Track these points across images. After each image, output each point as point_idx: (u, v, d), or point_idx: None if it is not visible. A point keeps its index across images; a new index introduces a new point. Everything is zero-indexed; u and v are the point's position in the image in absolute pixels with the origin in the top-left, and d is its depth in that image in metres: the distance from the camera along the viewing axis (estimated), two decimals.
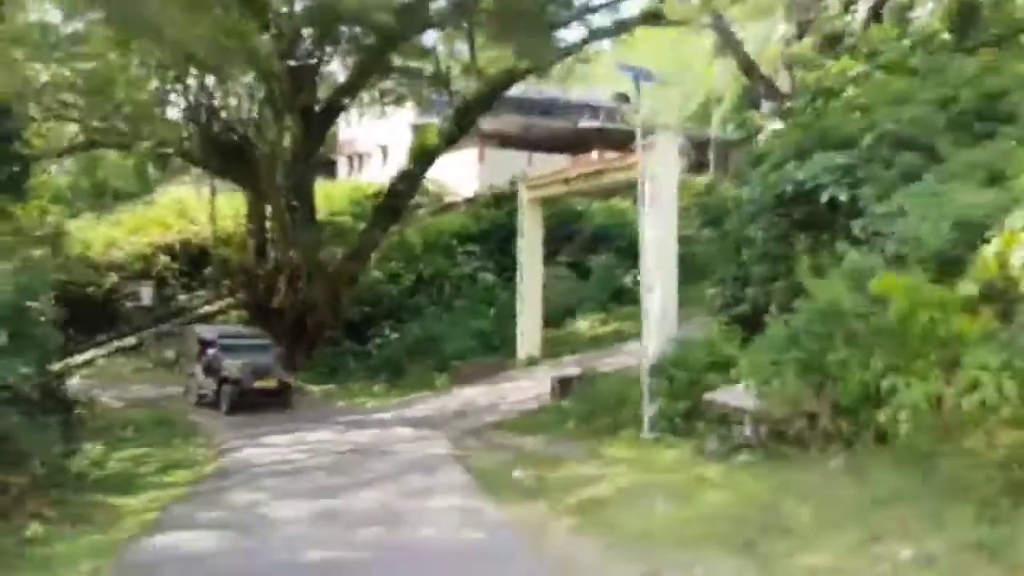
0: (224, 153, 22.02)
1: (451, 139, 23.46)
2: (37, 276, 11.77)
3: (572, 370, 13.54)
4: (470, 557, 5.96)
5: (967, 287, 5.78)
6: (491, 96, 23.47)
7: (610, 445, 10.04)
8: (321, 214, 26.50)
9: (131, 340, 23.53)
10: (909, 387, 5.64)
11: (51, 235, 19.07)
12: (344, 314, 23.05)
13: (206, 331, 18.98)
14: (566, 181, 16.20)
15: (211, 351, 17.26)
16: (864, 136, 10.28)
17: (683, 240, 13.86)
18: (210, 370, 17.06)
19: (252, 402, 16.21)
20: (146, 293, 24.95)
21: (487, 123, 29.93)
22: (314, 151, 23.34)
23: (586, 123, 34.15)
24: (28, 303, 10.50)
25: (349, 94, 23.44)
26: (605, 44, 26.58)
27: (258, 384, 16.46)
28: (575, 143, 30.80)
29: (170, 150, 22.40)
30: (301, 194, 22.32)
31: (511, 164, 30.68)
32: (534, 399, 13.43)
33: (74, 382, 16.52)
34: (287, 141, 21.83)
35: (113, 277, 25.13)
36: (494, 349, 19.28)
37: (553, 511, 7.16)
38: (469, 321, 21.63)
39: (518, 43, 19.27)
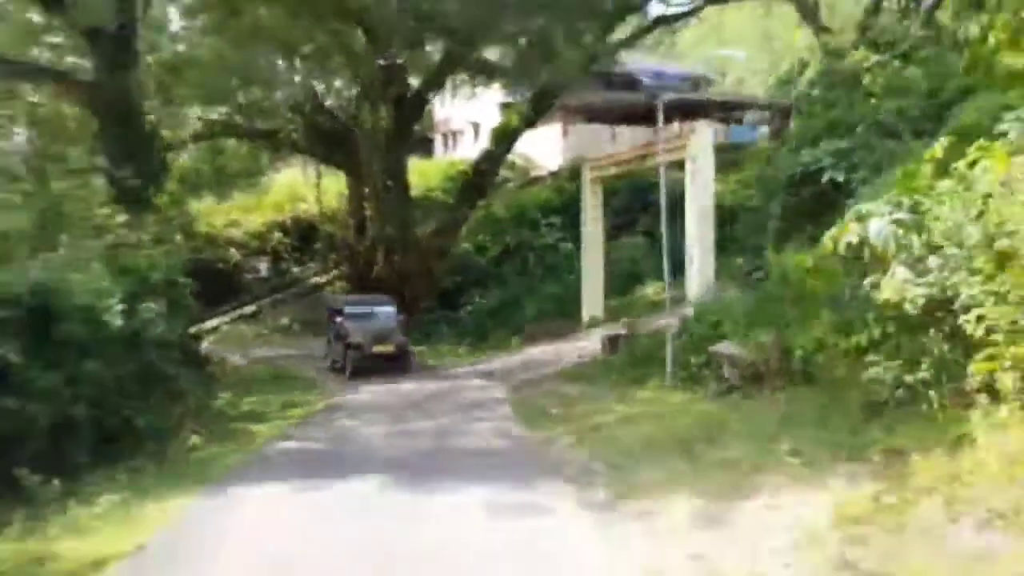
0: (327, 141, 25.28)
1: (529, 122, 25.92)
2: (178, 256, 15.13)
3: (621, 330, 15.87)
4: (489, 454, 8.62)
5: (804, 260, 7.82)
6: (560, 86, 25.77)
7: (637, 390, 12.38)
8: (418, 191, 29.62)
9: (251, 308, 27.32)
10: (801, 335, 7.77)
11: (185, 219, 22.72)
12: (437, 284, 26.01)
13: (335, 300, 21.36)
14: (618, 163, 18.40)
15: (338, 319, 19.30)
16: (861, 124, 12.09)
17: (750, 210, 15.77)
18: (338, 337, 19.02)
19: (372, 366, 17.84)
20: (263, 266, 28.74)
21: (571, 98, 31.99)
22: (407, 136, 26.26)
23: (668, 95, 35.57)
24: (177, 279, 13.79)
25: (437, 83, 26.11)
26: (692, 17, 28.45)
27: (377, 349, 18.20)
28: (653, 116, 32.53)
29: (280, 138, 25.78)
30: (395, 175, 25.31)
31: (594, 137, 32.84)
32: (588, 355, 15.89)
33: (204, 345, 20.08)
34: (382, 128, 24.79)
35: (234, 252, 29.02)
36: (567, 313, 21.74)
37: (566, 432, 9.68)
38: (547, 288, 24.18)
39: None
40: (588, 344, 16.85)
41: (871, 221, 6.83)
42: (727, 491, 6.48)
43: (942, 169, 7.20)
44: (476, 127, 38.84)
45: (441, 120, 40.86)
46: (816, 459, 6.85)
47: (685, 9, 24.72)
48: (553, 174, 33.65)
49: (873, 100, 12.99)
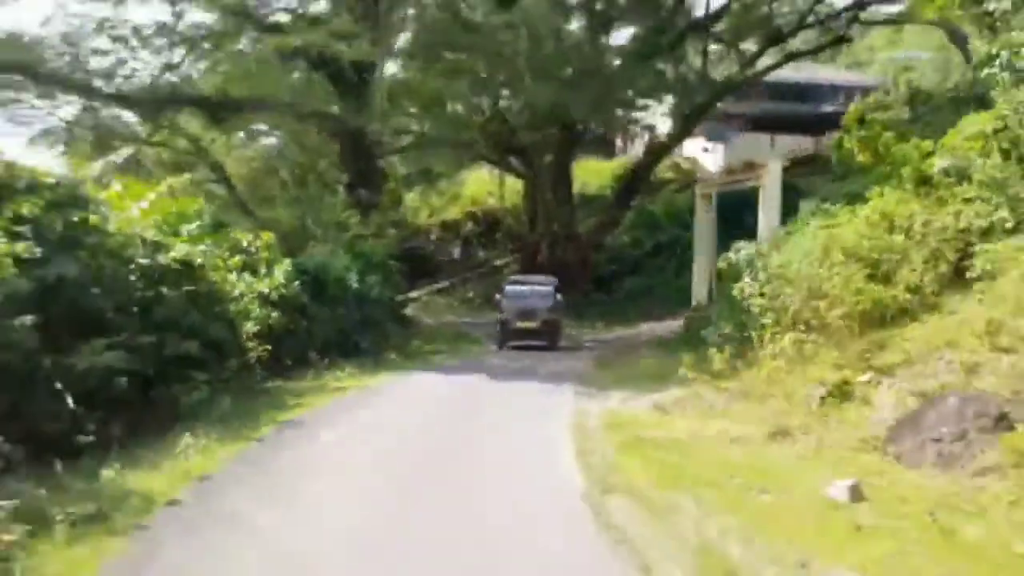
0: (506, 150, 33.43)
1: (679, 137, 32.68)
2: (391, 245, 23.82)
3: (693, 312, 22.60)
4: (558, 375, 16.21)
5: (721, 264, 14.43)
6: (716, 98, 32.23)
7: (685, 355, 19.24)
8: (591, 188, 37.28)
9: (444, 284, 36.28)
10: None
11: (398, 215, 31.85)
12: (592, 272, 33.43)
13: (509, 279, 26.27)
14: (718, 184, 24.92)
15: (498, 296, 24.22)
16: None
17: None
18: (497, 311, 23.65)
19: (517, 339, 22.14)
20: (456, 250, 37.66)
21: (732, 107, 38.07)
22: (572, 147, 33.85)
23: (829, 107, 40.44)
24: (389, 260, 22.42)
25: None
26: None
27: (520, 324, 22.25)
28: (816, 125, 37.55)
29: (471, 147, 34.32)
30: (560, 180, 33.03)
31: (754, 144, 38.71)
32: (675, 331, 22.76)
33: (408, 309, 28.91)
34: (550, 142, 32.53)
35: (433, 239, 38.20)
36: (686, 300, 28.40)
37: (609, 369, 16.93)
38: (679, 279, 30.86)
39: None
40: (681, 323, 23.68)
41: (740, 252, 13.51)
42: (644, 391, 13.58)
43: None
44: (651, 130, 45.58)
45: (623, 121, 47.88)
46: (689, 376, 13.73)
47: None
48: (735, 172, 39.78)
49: None
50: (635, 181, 34.18)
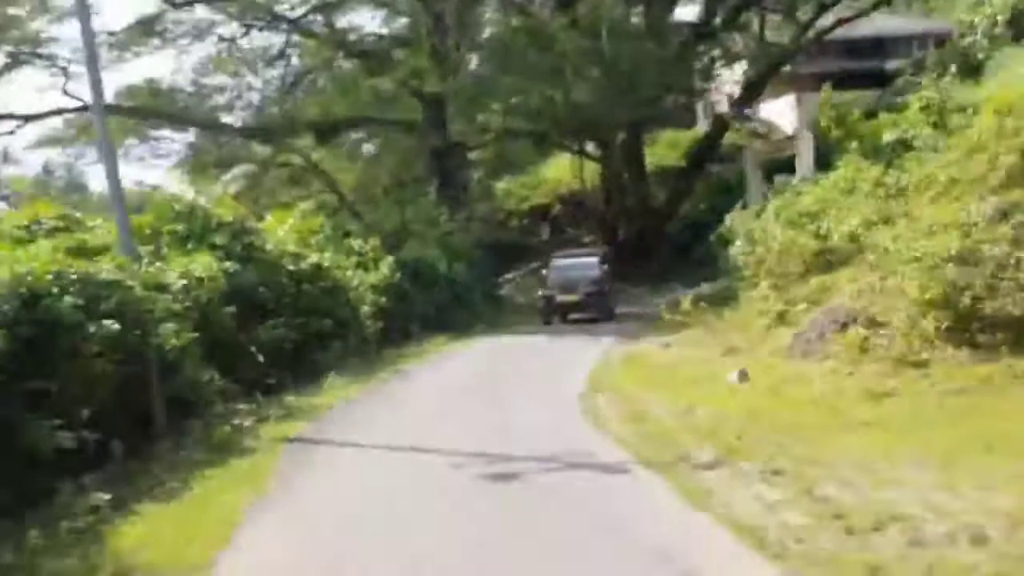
0: (581, 136, 38.26)
1: (742, 104, 36.78)
2: (475, 236, 29.23)
3: None
4: (595, 330, 21.23)
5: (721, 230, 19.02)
6: (778, 64, 36.12)
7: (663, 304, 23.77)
8: (671, 159, 41.69)
9: (535, 265, 41.53)
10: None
11: (489, 205, 37.20)
12: (669, 241, 37.92)
13: (556, 254, 27.81)
14: (764, 151, 29.18)
15: (544, 271, 26.56)
16: None
17: None
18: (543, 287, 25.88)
19: (561, 313, 24.28)
20: (544, 230, 42.80)
21: (804, 67, 41.57)
22: (641, 127, 38.35)
23: (893, 63, 43.23)
24: (473, 250, 27.81)
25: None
26: None
27: (561, 298, 24.08)
28: (885, 81, 40.56)
29: (548, 136, 39.29)
30: (631, 158, 37.63)
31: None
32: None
33: (502, 291, 34.23)
34: (622, 123, 37.15)
35: (525, 222, 43.44)
36: None
37: (650, 327, 21.78)
38: None
39: None
40: None
41: (734, 220, 18.13)
42: (664, 336, 18.39)
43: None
44: (730, 98, 49.19)
45: (701, 90, 51.65)
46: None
47: None
48: (789, 139, 43.32)
49: None
50: (704, 151, 38.39)
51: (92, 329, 9.49)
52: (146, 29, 30.84)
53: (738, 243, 18.09)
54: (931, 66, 22.79)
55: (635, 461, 8.73)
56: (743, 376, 12.12)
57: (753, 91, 37.93)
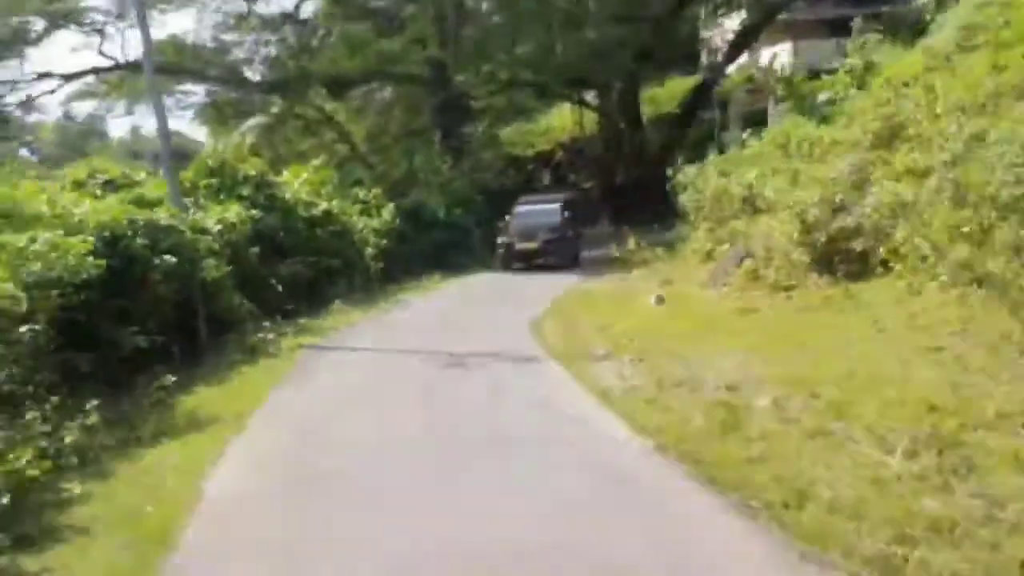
0: (580, 87, 41.41)
1: (735, 52, 39.67)
2: (479, 181, 32.78)
3: None
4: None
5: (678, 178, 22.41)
6: (773, 13, 38.87)
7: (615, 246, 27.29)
8: (670, 106, 44.68)
9: None
10: None
11: (495, 153, 40.53)
12: (662, 188, 41.18)
13: (519, 201, 28.13)
14: (745, 102, 32.26)
15: (507, 217, 26.94)
16: None
17: None
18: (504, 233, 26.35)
19: (520, 261, 24.91)
20: (547, 176, 46.18)
21: (802, 14, 44.18)
22: (638, 75, 41.39)
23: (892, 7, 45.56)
24: (475, 195, 31.37)
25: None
26: None
27: (520, 246, 24.80)
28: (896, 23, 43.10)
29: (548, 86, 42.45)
30: (628, 109, 40.77)
31: (817, 51, 44.69)
32: None
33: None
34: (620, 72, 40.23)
35: (530, 168, 46.83)
36: None
37: (616, 266, 25.35)
38: None
39: None
40: None
41: (688, 172, 21.56)
42: (623, 273, 21.99)
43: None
44: (730, 43, 51.82)
45: (703, 38, 54.23)
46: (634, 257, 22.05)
47: None
48: None
49: None
50: (696, 99, 41.43)
51: (156, 262, 13.24)
52: None
53: (687, 191, 21.55)
54: (885, 25, 25.77)
55: (549, 356, 12.45)
56: (659, 300, 15.73)
57: (748, 38, 40.76)
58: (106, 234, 12.82)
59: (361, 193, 25.02)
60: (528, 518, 6.49)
